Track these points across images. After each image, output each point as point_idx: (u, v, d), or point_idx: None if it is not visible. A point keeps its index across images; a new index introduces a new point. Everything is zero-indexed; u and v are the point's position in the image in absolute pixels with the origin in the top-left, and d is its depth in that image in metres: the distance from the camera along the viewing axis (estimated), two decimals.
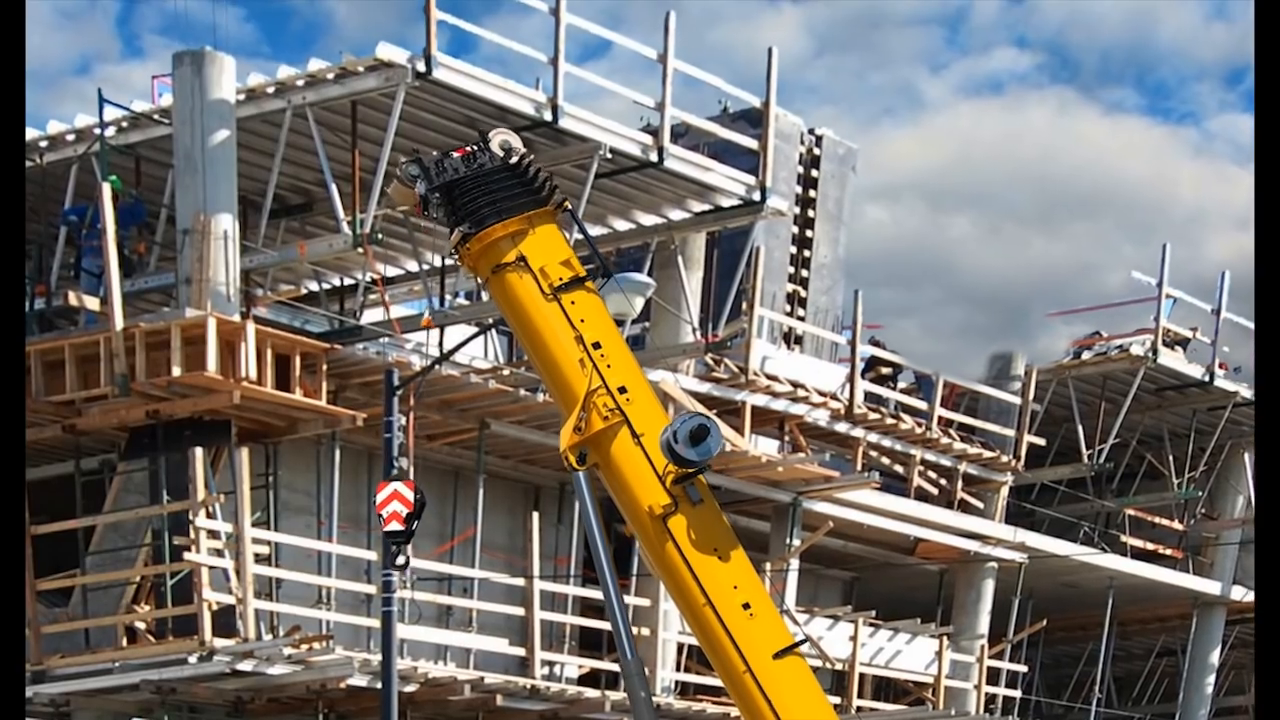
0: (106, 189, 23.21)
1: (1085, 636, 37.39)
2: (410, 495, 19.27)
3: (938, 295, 70.15)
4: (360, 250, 23.93)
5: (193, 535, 22.83)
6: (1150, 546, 37.19)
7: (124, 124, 24.76)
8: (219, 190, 23.25)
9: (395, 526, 19.26)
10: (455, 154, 15.64)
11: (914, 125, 78.67)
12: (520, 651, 26.60)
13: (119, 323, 22.74)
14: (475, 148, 15.70)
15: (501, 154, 15.59)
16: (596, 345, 15.11)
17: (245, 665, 22.86)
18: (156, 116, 24.49)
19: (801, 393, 30.69)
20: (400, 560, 19.60)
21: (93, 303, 23.63)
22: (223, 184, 23.28)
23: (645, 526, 14.88)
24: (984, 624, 33.82)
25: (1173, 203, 71.72)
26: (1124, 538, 36.60)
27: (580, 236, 17.41)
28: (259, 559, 23.46)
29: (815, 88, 78.46)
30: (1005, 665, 34.23)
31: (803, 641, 15.07)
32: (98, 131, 24.34)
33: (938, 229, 73.60)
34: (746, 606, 14.64)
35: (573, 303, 15.26)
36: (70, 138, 25.29)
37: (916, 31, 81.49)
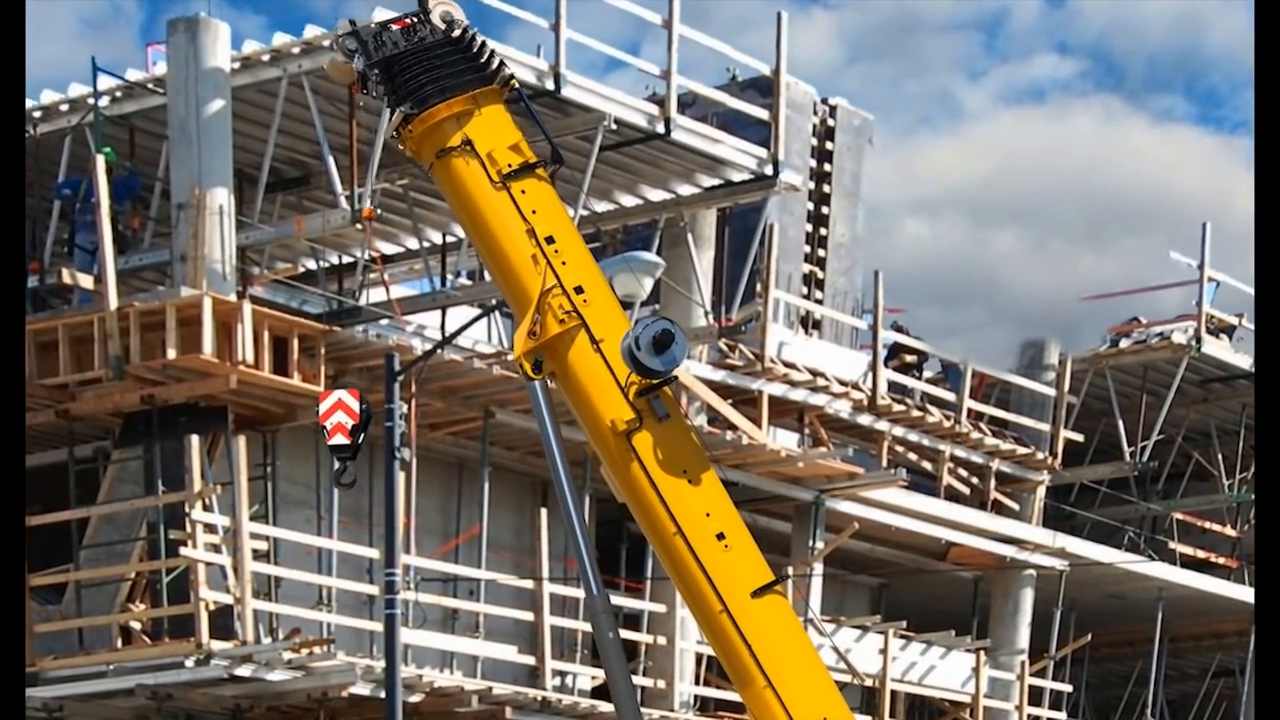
0: (101, 161, 24.68)
1: (1134, 653, 38.04)
2: (356, 405, 20.08)
3: (983, 316, 71.46)
4: (359, 227, 25.22)
5: (189, 529, 24.09)
6: (1201, 554, 38.15)
7: (118, 94, 26.26)
8: (214, 162, 24.70)
9: (340, 440, 20.05)
10: (395, 26, 15.97)
11: (953, 135, 79.38)
12: (530, 660, 27.66)
13: (113, 302, 24.17)
14: (416, 19, 16.02)
15: (443, 26, 15.97)
16: (550, 240, 15.50)
17: (244, 670, 23.90)
18: (151, 86, 26.02)
19: (821, 382, 31.92)
20: (347, 479, 20.38)
21: (86, 280, 24.90)
22: (218, 156, 24.72)
23: (608, 444, 15.12)
24: (1023, 638, 34.67)
25: (1228, 216, 72.93)
26: (1172, 544, 37.65)
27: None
28: (257, 555, 24.69)
29: (849, 96, 79.66)
30: (1048, 684, 35.06)
31: (785, 578, 15.19)
32: (91, 101, 25.72)
33: (980, 244, 74.78)
34: (721, 537, 15.02)
35: (523, 192, 15.57)
36: (64, 108, 26.70)
37: (953, 37, 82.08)
